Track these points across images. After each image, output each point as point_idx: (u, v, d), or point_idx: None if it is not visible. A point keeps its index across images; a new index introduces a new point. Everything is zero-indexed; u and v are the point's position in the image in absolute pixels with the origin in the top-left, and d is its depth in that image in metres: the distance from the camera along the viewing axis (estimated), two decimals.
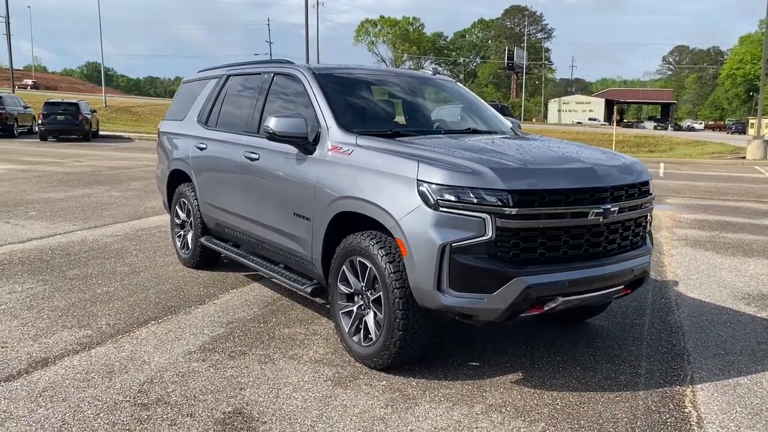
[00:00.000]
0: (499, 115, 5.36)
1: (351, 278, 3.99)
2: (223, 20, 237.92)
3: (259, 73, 5.31)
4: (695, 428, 3.30)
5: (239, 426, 3.17)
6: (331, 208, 4.06)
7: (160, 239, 7.56)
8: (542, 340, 4.53)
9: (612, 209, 3.69)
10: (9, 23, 45.59)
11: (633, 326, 4.88)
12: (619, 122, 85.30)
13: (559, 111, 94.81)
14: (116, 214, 9.30)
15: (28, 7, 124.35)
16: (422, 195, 3.49)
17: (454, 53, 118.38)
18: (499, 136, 4.83)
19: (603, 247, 3.77)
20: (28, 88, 68.07)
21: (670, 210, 11.35)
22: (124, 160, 18.75)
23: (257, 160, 4.85)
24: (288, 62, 5.04)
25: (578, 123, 78.37)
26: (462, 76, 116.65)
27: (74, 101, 28.57)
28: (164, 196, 6.73)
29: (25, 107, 30.42)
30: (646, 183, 4.05)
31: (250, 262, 5.14)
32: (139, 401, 3.40)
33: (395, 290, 3.62)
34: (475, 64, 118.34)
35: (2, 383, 3.58)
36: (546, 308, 3.61)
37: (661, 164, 23.95)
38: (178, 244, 6.42)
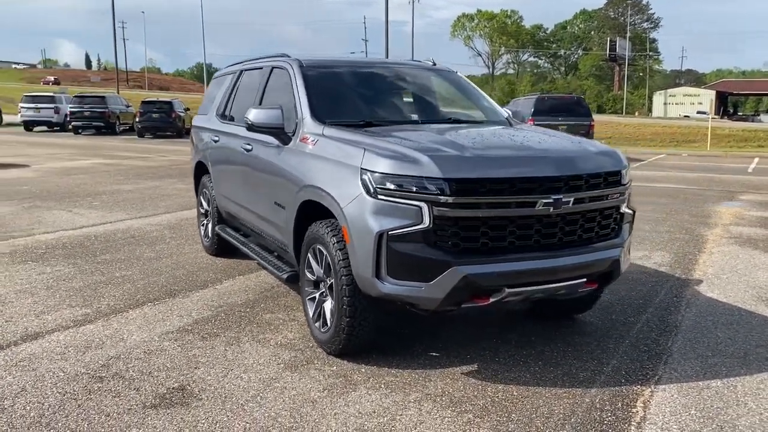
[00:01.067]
0: (495, 106, 5.26)
1: (314, 265, 4.08)
2: (325, 19, 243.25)
3: (261, 68, 5.48)
4: (632, 428, 3.15)
5: (176, 401, 3.34)
6: (297, 197, 4.17)
7: (196, 229, 7.94)
8: (516, 333, 4.44)
9: (565, 200, 3.56)
10: (115, 25, 48.50)
11: (624, 324, 4.68)
12: (732, 115, 79.25)
13: (665, 104, 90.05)
14: (171, 204, 9.82)
15: (142, 12, 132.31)
16: (363, 183, 3.52)
17: (554, 45, 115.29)
18: (479, 126, 4.76)
19: (558, 239, 3.65)
20: (50, 83, 73.09)
21: (737, 207, 10.64)
22: None
23: (251, 151, 5.03)
24: (284, 56, 5.17)
25: (685, 116, 74.00)
26: (563, 68, 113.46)
27: (168, 100, 30.25)
28: (194, 187, 7.07)
29: (127, 106, 32.53)
30: (616, 173, 3.87)
31: (246, 250, 5.34)
32: (97, 374, 3.65)
33: (342, 277, 3.68)
34: (576, 56, 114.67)
35: None
36: (493, 299, 3.54)
37: (756, 159, 22.36)
38: (202, 232, 6.74)
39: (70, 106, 30.19)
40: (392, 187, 3.42)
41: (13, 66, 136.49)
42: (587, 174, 3.70)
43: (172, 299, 5.07)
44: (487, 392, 3.52)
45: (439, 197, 3.35)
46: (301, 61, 4.92)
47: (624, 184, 3.91)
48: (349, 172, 3.65)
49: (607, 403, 3.42)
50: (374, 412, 3.26)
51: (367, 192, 3.49)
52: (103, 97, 30.81)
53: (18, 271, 5.83)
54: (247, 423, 3.14)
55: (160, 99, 31.02)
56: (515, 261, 3.51)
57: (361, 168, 3.56)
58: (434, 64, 5.62)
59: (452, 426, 3.14)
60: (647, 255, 6.87)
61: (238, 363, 3.84)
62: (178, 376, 3.65)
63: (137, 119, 28.95)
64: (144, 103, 29.34)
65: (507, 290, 3.52)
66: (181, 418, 3.17)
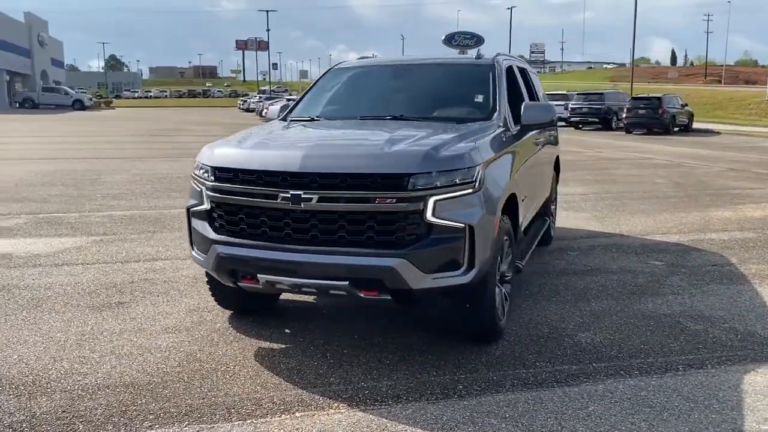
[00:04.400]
0: (498, 104, 4.73)
1: None
2: None
3: None
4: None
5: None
6: None
7: None
8: (376, 332, 4.33)
9: (305, 196, 3.60)
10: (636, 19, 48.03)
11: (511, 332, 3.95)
12: None
13: None
14: None
15: (728, 1, 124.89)
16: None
17: None
18: (410, 123, 4.60)
19: (312, 235, 3.67)
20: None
21: None
22: (644, 154, 19.06)
23: None
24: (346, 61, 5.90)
25: None
26: None
27: (658, 95, 29.28)
28: None
29: (683, 105, 30.29)
30: (393, 176, 3.52)
31: None
32: None
33: None
34: None
35: None
36: (261, 284, 3.86)
37: None
38: None
39: (571, 103, 32.40)
40: (196, 172, 4.15)
41: (604, 66, 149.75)
42: (345, 174, 3.56)
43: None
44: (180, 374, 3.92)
45: (206, 182, 3.95)
46: (337, 64, 5.61)
47: (410, 190, 3.50)
48: None
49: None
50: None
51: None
52: (602, 94, 31.99)
53: None
54: None
55: (651, 95, 30.28)
56: (260, 249, 3.75)
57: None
58: (478, 58, 5.33)
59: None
60: None
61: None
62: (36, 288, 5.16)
63: (624, 115, 29.18)
64: (633, 99, 29.37)
65: (262, 276, 3.81)
66: None
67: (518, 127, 4.74)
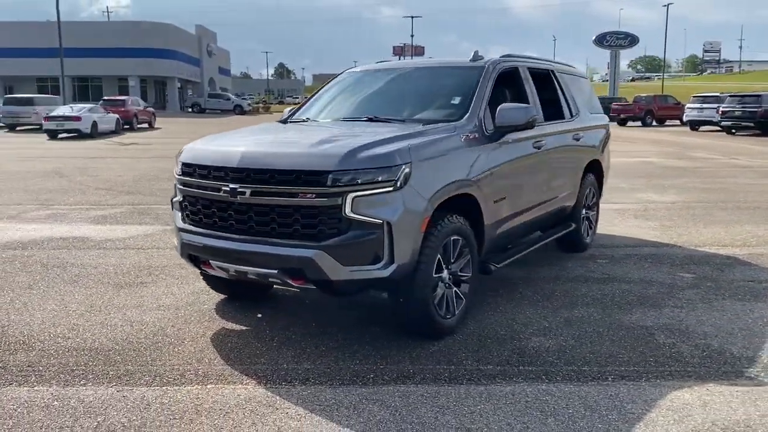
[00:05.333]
0: (474, 106, 4.73)
1: None
2: None
3: None
4: None
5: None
6: None
7: None
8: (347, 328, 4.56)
9: (240, 190, 3.95)
10: None
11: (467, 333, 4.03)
12: None
13: None
14: None
15: None
16: None
17: None
18: (352, 124, 4.81)
19: (249, 226, 4.01)
20: None
21: None
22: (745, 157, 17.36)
23: None
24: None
25: None
26: None
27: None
28: None
29: None
30: (314, 173, 3.77)
31: None
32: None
33: None
34: None
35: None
36: (215, 269, 4.30)
37: None
38: None
39: (722, 106, 30.03)
40: (175, 168, 4.64)
41: None
42: (274, 170, 3.87)
43: None
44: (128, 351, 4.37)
45: (176, 176, 4.45)
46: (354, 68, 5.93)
47: (329, 186, 3.74)
48: None
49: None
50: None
51: None
52: (759, 96, 29.27)
53: None
54: None
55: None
56: (210, 237, 4.16)
57: None
58: (473, 60, 5.36)
59: None
60: None
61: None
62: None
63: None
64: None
65: (212, 261, 4.24)
66: None
67: (493, 130, 4.74)
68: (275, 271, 3.89)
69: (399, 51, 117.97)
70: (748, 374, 3.75)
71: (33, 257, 6.50)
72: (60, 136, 26.99)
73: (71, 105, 31.12)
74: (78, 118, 26.94)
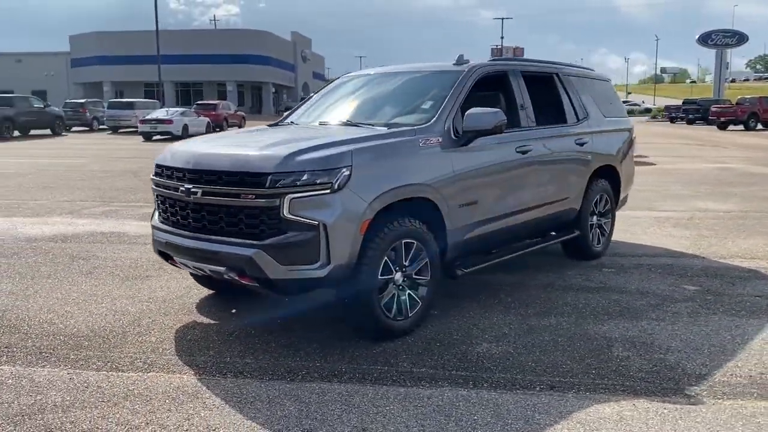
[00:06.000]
0: (437, 110, 4.75)
1: None
2: None
3: None
4: None
5: None
6: None
7: None
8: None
9: (193, 190, 4.19)
10: None
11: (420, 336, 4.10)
12: None
13: None
14: None
15: None
16: None
17: None
18: (324, 128, 4.95)
19: (203, 225, 4.24)
20: None
21: None
22: None
23: None
24: None
25: None
26: None
27: None
28: None
29: None
30: (254, 175, 3.94)
31: None
32: None
33: None
34: None
35: None
36: (179, 265, 4.58)
37: None
38: None
39: None
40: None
41: None
42: (221, 171, 4.08)
43: None
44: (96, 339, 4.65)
45: (151, 176, 4.75)
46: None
47: (268, 188, 3.89)
48: None
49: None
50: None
51: None
52: None
53: None
54: None
55: None
56: (171, 234, 4.44)
57: None
58: (457, 64, 5.35)
59: None
60: None
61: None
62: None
63: None
64: None
65: (176, 258, 4.51)
66: None
67: (462, 134, 4.73)
68: (224, 269, 4.09)
69: (497, 53, 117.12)
70: (688, 392, 3.57)
71: (66, 249, 7.05)
72: (154, 138, 28.73)
73: (166, 109, 33.02)
74: (170, 121, 28.59)
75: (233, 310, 5.02)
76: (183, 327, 4.65)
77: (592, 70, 7.22)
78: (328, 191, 3.88)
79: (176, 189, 4.28)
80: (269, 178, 3.87)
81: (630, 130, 7.11)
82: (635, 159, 7.50)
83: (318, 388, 3.64)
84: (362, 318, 4.21)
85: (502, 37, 70.58)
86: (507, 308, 5.03)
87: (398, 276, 4.32)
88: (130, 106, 35.07)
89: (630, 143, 7.09)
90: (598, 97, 6.68)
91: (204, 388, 3.65)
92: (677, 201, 10.52)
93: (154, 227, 4.62)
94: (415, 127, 4.62)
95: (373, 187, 4.07)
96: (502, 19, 72.22)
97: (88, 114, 36.15)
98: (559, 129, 5.92)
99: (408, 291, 4.39)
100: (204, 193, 4.10)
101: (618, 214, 8.89)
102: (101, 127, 36.98)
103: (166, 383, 3.71)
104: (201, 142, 4.71)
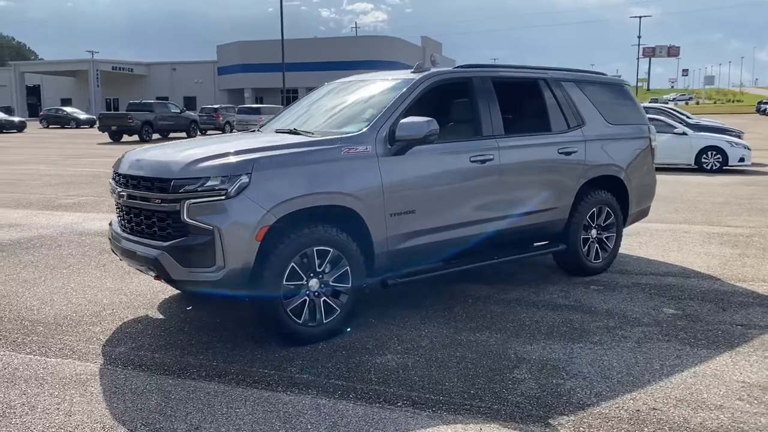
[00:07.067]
0: (373, 120, 4.77)
1: None
2: None
3: None
4: None
5: None
6: None
7: None
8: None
9: (122, 193, 4.56)
10: None
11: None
12: None
13: None
14: None
15: None
16: None
17: None
18: (269, 136, 5.07)
19: (134, 225, 4.59)
20: None
21: None
22: None
23: None
24: None
25: None
26: None
27: None
28: None
29: None
30: (160, 180, 4.20)
31: None
32: None
33: None
34: None
35: None
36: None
37: None
38: None
39: None
40: None
41: None
42: (139, 176, 4.41)
43: None
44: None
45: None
46: None
47: (171, 193, 4.14)
48: None
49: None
50: None
51: None
52: None
53: None
54: None
55: None
56: (114, 233, 4.83)
57: None
58: (416, 71, 5.30)
59: None
60: None
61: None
62: None
63: None
64: None
65: (117, 256, 4.89)
66: None
67: (394, 143, 4.71)
68: (143, 267, 4.39)
69: (649, 52, 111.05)
70: (551, 422, 3.37)
71: (101, 244, 7.75)
72: None
73: None
74: None
75: (189, 307, 5.31)
76: (133, 320, 5.01)
77: (603, 74, 6.80)
78: (224, 198, 4.05)
79: (113, 191, 4.64)
80: (172, 183, 4.10)
81: (646, 138, 6.62)
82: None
83: (194, 386, 3.81)
84: (267, 322, 4.33)
85: (639, 36, 66.74)
86: (448, 321, 4.92)
87: (313, 282, 4.38)
88: (257, 111, 37.27)
89: (646, 151, 6.60)
90: (604, 103, 6.29)
91: (97, 377, 3.94)
92: (757, 215, 9.56)
93: (110, 224, 5.01)
94: (343, 136, 4.66)
95: (275, 194, 4.17)
96: (639, 17, 68.27)
97: (221, 118, 38.81)
98: (535, 137, 5.67)
99: (324, 298, 4.44)
100: (128, 197, 4.42)
101: (662, 227, 8.34)
102: (234, 131, 39.53)
103: (71, 370, 4.05)
104: (148, 149, 5.05)
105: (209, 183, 4.07)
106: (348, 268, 4.48)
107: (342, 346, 4.40)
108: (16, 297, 5.59)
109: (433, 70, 5.25)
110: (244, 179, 4.08)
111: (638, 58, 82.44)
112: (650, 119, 17.31)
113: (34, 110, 68.11)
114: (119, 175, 4.61)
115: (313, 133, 4.96)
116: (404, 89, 4.97)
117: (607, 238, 6.28)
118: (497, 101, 5.41)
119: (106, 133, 32.18)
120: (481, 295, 5.59)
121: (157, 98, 57.05)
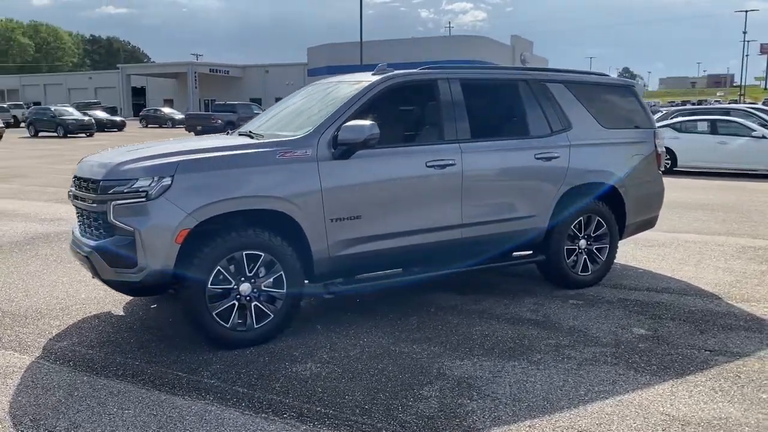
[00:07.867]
0: (315, 125, 4.71)
1: None
2: None
3: None
4: None
5: None
6: None
7: None
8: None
9: (71, 193, 4.74)
10: None
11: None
12: None
13: None
14: None
15: None
16: None
17: None
18: (223, 138, 5.10)
19: (80, 225, 4.75)
20: None
21: None
22: None
23: None
24: None
25: None
26: None
27: None
28: None
29: None
30: (92, 182, 4.33)
31: None
32: None
33: None
34: None
35: None
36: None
37: None
38: None
39: None
40: None
41: None
42: (81, 178, 4.55)
43: None
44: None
45: None
46: None
47: (99, 194, 4.25)
48: None
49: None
50: None
51: None
52: None
53: None
54: None
55: None
56: (75, 233, 5.01)
57: None
58: (375, 74, 5.16)
59: None
60: None
61: None
62: None
63: None
64: None
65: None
66: None
67: (336, 147, 4.62)
68: (86, 267, 4.53)
69: (766, 49, 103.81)
70: None
71: None
72: None
73: None
74: None
75: (153, 306, 5.43)
76: (93, 316, 5.18)
77: (605, 75, 6.38)
78: (144, 200, 4.10)
79: (71, 193, 4.82)
80: (100, 184, 4.21)
81: (650, 143, 6.16)
82: None
83: (103, 384, 3.88)
84: (194, 325, 4.35)
85: (744, 32, 62.42)
86: (395, 330, 4.78)
87: (245, 287, 4.36)
88: None
89: (650, 158, 6.14)
90: (600, 106, 5.91)
91: (23, 370, 4.10)
92: None
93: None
94: (282, 140, 4.62)
95: (198, 197, 4.18)
96: (746, 11, 63.78)
97: None
98: (508, 142, 5.39)
99: (255, 302, 4.41)
100: (74, 197, 4.57)
101: (695, 239, 7.78)
102: None
103: (3, 362, 4.22)
104: (107, 152, 5.20)
105: (137, 185, 4.13)
106: (282, 273, 4.43)
107: (269, 352, 4.35)
108: (7, 289, 5.90)
109: (393, 72, 5.09)
110: (166, 181, 4.12)
111: (746, 55, 77.12)
112: (725, 121, 16.40)
113: (139, 110, 72.29)
114: (74, 176, 4.77)
115: (263, 136, 4.93)
116: (355, 93, 4.85)
117: (598, 249, 5.89)
118: (464, 104, 5.18)
119: (192, 132, 33.66)
120: (448, 305, 5.39)
121: (251, 99, 59.18)
